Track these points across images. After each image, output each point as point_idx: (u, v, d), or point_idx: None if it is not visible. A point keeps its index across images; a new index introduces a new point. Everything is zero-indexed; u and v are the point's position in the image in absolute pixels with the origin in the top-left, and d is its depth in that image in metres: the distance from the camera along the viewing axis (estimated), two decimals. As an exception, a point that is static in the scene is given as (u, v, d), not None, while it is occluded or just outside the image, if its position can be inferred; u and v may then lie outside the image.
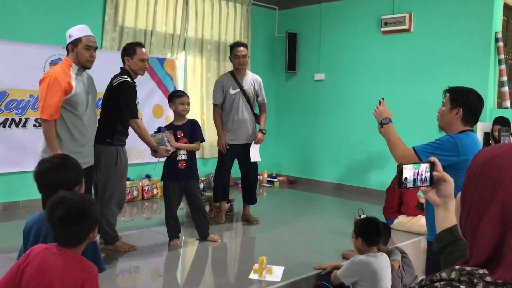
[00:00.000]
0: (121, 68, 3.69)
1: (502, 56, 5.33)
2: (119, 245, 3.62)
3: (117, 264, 3.41)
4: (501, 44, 5.30)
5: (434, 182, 1.31)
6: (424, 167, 1.30)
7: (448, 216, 1.28)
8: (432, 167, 1.30)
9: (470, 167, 0.91)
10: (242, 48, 4.41)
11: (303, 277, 3.20)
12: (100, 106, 3.71)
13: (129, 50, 3.63)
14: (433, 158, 1.32)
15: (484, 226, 0.84)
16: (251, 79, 4.58)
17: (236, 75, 4.50)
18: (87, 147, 3.34)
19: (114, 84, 3.52)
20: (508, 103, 5.38)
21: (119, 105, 3.48)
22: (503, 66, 5.36)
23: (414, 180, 1.29)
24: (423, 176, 1.30)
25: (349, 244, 4.03)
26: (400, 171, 1.28)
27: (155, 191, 5.74)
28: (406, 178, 1.29)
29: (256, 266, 3.22)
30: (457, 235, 1.20)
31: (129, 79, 3.54)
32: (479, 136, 5.13)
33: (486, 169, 0.87)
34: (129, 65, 3.62)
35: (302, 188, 6.78)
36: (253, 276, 3.17)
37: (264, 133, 4.61)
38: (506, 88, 5.39)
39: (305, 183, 7.02)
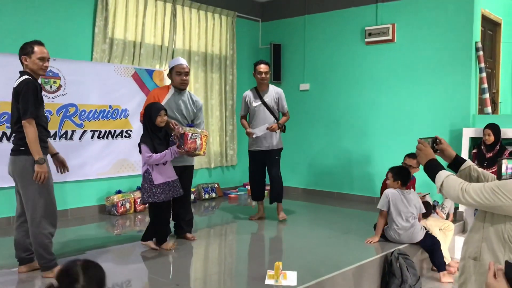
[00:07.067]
0: (20, 71, 3.26)
1: (483, 65, 5.59)
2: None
3: (125, 278, 3.37)
4: (481, 53, 5.56)
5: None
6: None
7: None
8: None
9: None
10: (264, 66, 4.99)
11: (317, 281, 3.25)
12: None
13: (27, 49, 3.19)
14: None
15: None
16: (273, 91, 5.10)
17: (258, 90, 5.07)
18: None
19: (15, 87, 3.16)
20: (489, 109, 5.63)
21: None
22: (484, 74, 5.63)
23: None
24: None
25: (353, 247, 4.12)
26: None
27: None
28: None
29: (271, 272, 3.25)
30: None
31: (29, 77, 3.17)
32: (465, 141, 5.34)
33: None
34: (27, 64, 3.20)
35: (289, 197, 6.84)
36: (268, 281, 3.19)
37: (280, 127, 5.03)
38: (487, 95, 5.64)
39: (291, 192, 7.10)
